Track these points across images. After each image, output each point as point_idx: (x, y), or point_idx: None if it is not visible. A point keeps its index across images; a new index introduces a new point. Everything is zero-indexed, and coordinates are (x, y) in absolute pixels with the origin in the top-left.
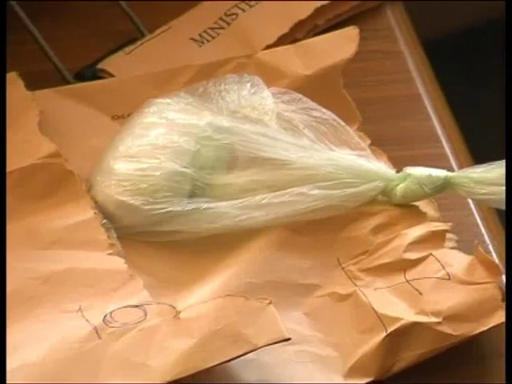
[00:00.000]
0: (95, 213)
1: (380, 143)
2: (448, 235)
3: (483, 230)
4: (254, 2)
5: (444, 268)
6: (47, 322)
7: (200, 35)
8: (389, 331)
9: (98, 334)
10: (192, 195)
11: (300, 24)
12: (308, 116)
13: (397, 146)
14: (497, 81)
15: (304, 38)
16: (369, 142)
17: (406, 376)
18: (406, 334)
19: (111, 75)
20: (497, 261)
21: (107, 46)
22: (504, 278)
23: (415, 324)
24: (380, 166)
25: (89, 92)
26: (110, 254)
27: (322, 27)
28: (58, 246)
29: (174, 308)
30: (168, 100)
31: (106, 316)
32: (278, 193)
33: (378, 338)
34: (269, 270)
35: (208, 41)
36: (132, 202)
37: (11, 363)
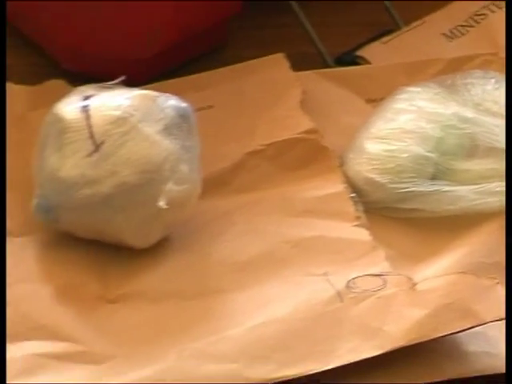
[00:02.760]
0: (345, 187)
1: None
2: None
3: None
4: (503, 4)
5: None
6: (294, 283)
7: (450, 31)
8: None
9: (340, 297)
10: (433, 178)
11: None
12: None
13: None
14: None
15: None
16: None
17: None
18: None
19: (368, 62)
20: None
21: (365, 35)
22: None
23: None
24: None
25: (347, 76)
26: (355, 225)
27: None
28: (309, 215)
29: (411, 280)
30: (418, 89)
31: (348, 282)
32: None
33: None
34: (498, 251)
35: (457, 37)
36: (379, 179)
37: (260, 317)
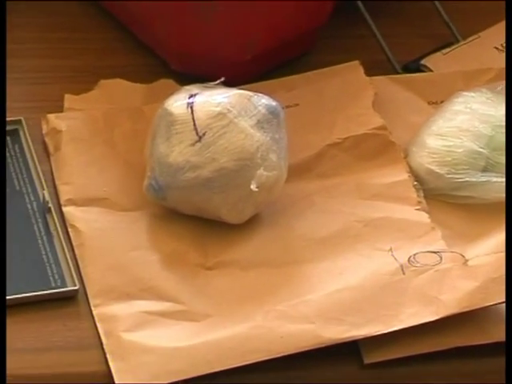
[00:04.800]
0: (409, 176)
1: None
2: None
3: None
4: None
5: None
6: (364, 256)
7: (501, 45)
8: None
9: (402, 270)
10: (484, 170)
11: None
12: None
13: None
14: None
15: None
16: None
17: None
18: None
19: (430, 70)
20: None
21: (429, 46)
22: None
23: None
24: None
25: (413, 81)
26: (417, 209)
27: None
28: (378, 198)
29: (464, 256)
30: (473, 94)
31: (410, 257)
32: None
33: None
34: None
35: None
36: (438, 170)
37: (335, 284)
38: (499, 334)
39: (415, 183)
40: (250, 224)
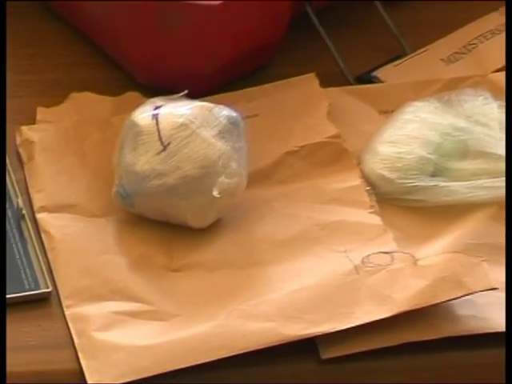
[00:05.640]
0: (362, 181)
1: None
2: None
3: None
4: (490, 36)
5: None
6: (321, 258)
7: (448, 57)
8: None
9: (357, 270)
10: (433, 175)
11: None
12: None
13: None
14: None
15: None
16: None
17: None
18: None
19: (382, 81)
20: None
21: (380, 59)
22: None
23: None
24: None
25: (365, 92)
26: (370, 212)
27: None
28: (333, 203)
29: (414, 257)
30: (422, 103)
31: (364, 258)
32: (497, 179)
33: None
34: (484, 235)
35: (453, 62)
36: (389, 175)
37: (295, 285)
38: (448, 330)
39: (368, 188)
40: (213, 228)
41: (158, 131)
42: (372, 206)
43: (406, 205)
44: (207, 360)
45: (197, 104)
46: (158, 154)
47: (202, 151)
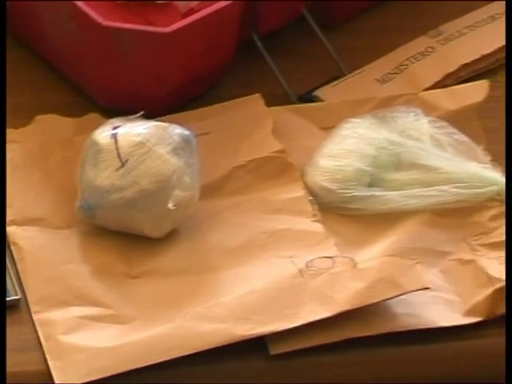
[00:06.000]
0: (305, 192)
1: (500, 158)
2: None
3: None
4: (420, 57)
5: None
6: (269, 263)
7: (382, 77)
8: (495, 287)
9: (301, 274)
10: (370, 185)
11: (449, 75)
12: (450, 138)
13: None
14: None
15: (451, 84)
16: (490, 158)
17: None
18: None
19: (322, 100)
20: None
21: (320, 80)
22: None
23: None
24: (497, 175)
25: (307, 110)
26: (313, 220)
27: (464, 78)
28: (279, 212)
29: (353, 260)
30: (359, 120)
31: (307, 262)
32: (428, 188)
33: (487, 291)
34: (418, 239)
35: (387, 81)
36: (330, 186)
37: (245, 288)
38: (385, 327)
39: (311, 198)
40: (169, 237)
41: (117, 149)
42: (315, 215)
43: (345, 213)
44: (165, 359)
45: (152, 124)
46: (117, 170)
47: (157, 167)
